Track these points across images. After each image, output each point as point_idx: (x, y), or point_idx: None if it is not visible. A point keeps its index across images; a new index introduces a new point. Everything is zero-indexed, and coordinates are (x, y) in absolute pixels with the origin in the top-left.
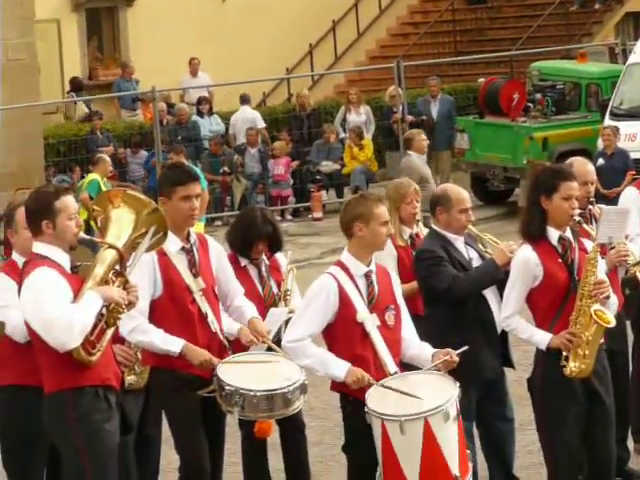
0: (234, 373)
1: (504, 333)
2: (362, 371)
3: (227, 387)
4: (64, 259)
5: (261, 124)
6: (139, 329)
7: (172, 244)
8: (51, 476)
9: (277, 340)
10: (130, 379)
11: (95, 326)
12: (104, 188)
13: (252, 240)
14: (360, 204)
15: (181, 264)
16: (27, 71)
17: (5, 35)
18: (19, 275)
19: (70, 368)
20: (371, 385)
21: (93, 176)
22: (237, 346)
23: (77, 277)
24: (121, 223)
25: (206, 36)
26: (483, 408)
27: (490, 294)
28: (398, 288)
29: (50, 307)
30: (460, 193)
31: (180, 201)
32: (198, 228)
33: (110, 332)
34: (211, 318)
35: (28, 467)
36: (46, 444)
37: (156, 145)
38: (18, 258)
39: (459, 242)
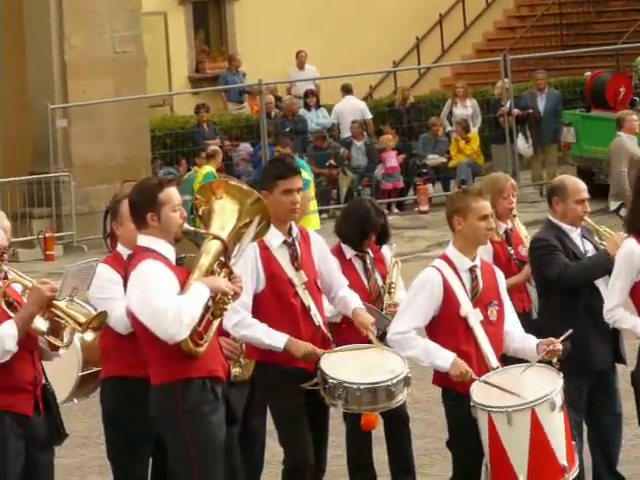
0: (337, 366)
1: (617, 330)
2: (466, 365)
3: (330, 380)
4: (169, 251)
5: (368, 115)
6: (243, 323)
7: (274, 238)
8: (156, 467)
9: (383, 334)
10: (235, 371)
11: (202, 317)
12: None
13: (368, 231)
14: (459, 198)
15: (283, 258)
16: (134, 64)
17: (113, 28)
18: (123, 267)
19: (178, 360)
20: (473, 380)
21: (208, 168)
22: (340, 337)
23: (182, 269)
24: (225, 214)
25: (313, 29)
26: (592, 401)
27: (603, 285)
28: (502, 283)
29: (158, 299)
30: (577, 183)
31: (282, 195)
32: (313, 221)
33: (216, 323)
34: (314, 311)
35: (133, 458)
36: (152, 435)
37: (262, 138)
38: (123, 250)
39: (575, 234)
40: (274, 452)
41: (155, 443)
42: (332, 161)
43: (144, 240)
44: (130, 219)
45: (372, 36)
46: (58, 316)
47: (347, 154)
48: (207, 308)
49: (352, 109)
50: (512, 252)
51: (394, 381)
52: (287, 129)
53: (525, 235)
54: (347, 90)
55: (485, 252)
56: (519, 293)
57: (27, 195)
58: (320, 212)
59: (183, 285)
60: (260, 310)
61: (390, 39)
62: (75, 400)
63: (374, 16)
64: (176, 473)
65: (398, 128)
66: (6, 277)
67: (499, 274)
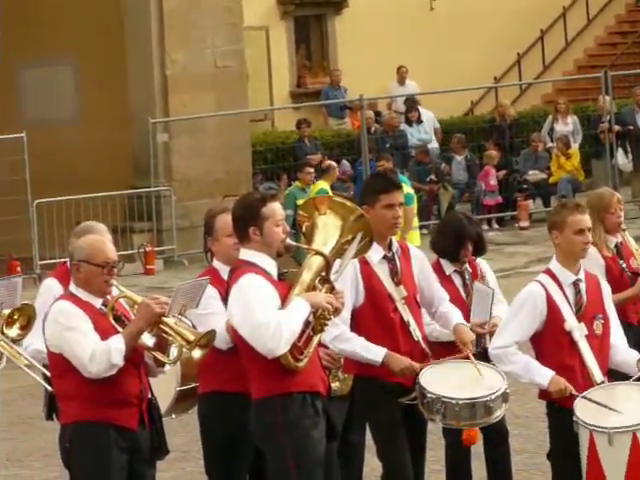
0: (436, 381)
1: None
2: (565, 381)
3: (429, 395)
4: (271, 266)
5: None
6: (342, 337)
7: (374, 253)
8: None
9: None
10: (335, 386)
11: (302, 332)
12: None
13: (463, 240)
14: (557, 212)
15: (383, 273)
16: (236, 78)
17: (214, 42)
18: (220, 283)
19: (278, 374)
20: (573, 396)
21: (322, 184)
22: (437, 353)
23: (284, 283)
24: (327, 230)
25: (414, 44)
26: None
27: None
28: (608, 297)
29: (259, 313)
30: None
31: (383, 209)
32: (415, 237)
33: (317, 339)
34: (413, 326)
35: (231, 473)
36: (249, 450)
37: (363, 154)
38: (219, 266)
39: None
40: (373, 467)
41: (254, 458)
42: (433, 176)
43: (246, 254)
44: (226, 235)
45: (473, 51)
46: (166, 332)
47: (447, 169)
48: (307, 323)
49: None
50: (624, 265)
51: (492, 397)
52: (387, 144)
53: (635, 248)
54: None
55: (597, 267)
56: (633, 305)
57: (128, 209)
58: (420, 227)
59: (284, 300)
60: (359, 325)
61: (491, 55)
62: (173, 415)
63: (475, 32)
64: None
65: (500, 144)
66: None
67: (605, 287)
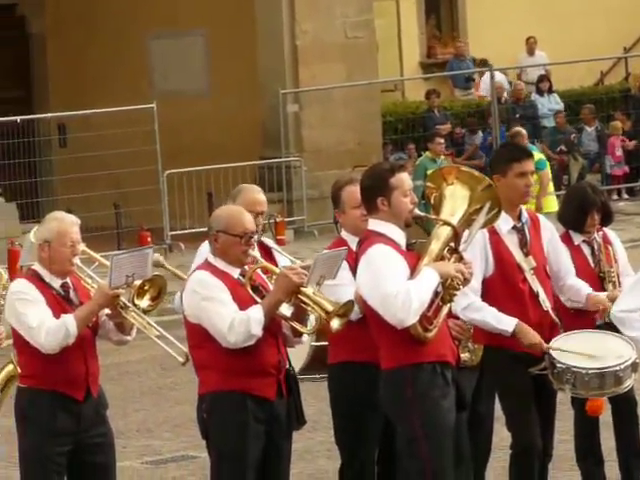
0: (566, 351)
1: None
2: None
3: (559, 365)
4: (399, 236)
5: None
6: (472, 307)
7: (503, 223)
8: (383, 450)
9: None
10: (464, 356)
11: (432, 302)
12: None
13: (587, 209)
14: None
15: (512, 243)
16: (366, 49)
17: (344, 13)
18: (349, 254)
19: (408, 344)
20: None
21: (539, 155)
22: (568, 322)
23: (412, 254)
24: (455, 200)
25: (543, 15)
26: None
27: None
28: None
29: (388, 284)
30: None
31: (515, 178)
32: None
33: (446, 309)
34: (542, 297)
35: (361, 442)
36: (379, 420)
37: (493, 124)
38: (347, 237)
39: None
40: (502, 437)
41: (383, 427)
42: (563, 147)
43: (375, 224)
44: (353, 206)
45: (602, 21)
46: (305, 303)
47: (577, 139)
48: (436, 293)
49: None
50: None
51: (622, 366)
52: (517, 115)
53: None
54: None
55: None
56: None
57: (258, 180)
58: None
59: (413, 270)
60: (489, 295)
61: (621, 24)
62: (317, 375)
63: (604, 3)
64: (404, 456)
65: (630, 114)
66: (253, 261)
67: None
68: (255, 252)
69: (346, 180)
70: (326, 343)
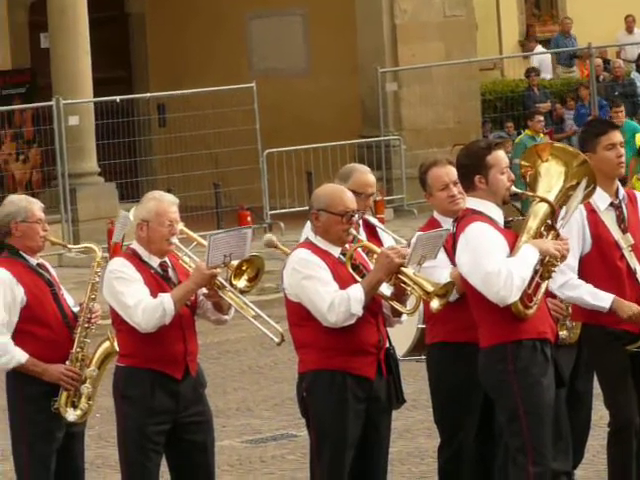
0: None
1: None
2: None
3: None
4: (497, 213)
5: None
6: (569, 284)
7: (600, 200)
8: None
9: None
10: (562, 334)
11: (531, 280)
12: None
13: None
14: None
15: (609, 220)
16: (464, 27)
17: None
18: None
19: (508, 322)
20: None
21: None
22: None
23: (510, 231)
24: (551, 176)
25: None
26: None
27: None
28: None
29: (490, 262)
30: None
31: (605, 150)
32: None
33: (544, 286)
34: None
35: (459, 422)
36: (479, 399)
37: (592, 101)
38: (440, 218)
39: None
40: (601, 415)
41: (482, 405)
42: None
43: (472, 203)
44: (438, 189)
45: None
46: (405, 283)
47: None
48: (535, 271)
49: None
50: None
51: None
52: (616, 92)
53: None
54: None
55: None
56: None
57: (357, 158)
58: None
59: (512, 248)
60: (586, 272)
61: None
62: (422, 356)
63: None
64: (504, 434)
65: None
66: (353, 241)
67: None
68: (360, 232)
69: (430, 162)
70: None
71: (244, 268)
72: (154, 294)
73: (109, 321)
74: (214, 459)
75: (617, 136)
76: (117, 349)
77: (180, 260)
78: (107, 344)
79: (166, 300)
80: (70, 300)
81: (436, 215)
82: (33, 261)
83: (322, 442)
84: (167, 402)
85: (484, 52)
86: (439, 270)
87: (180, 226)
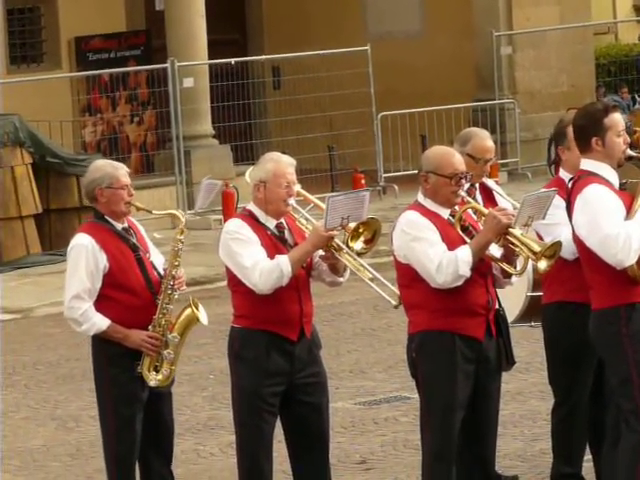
0: None
1: None
2: None
3: None
4: (613, 176)
5: None
6: None
7: None
8: (595, 391)
9: None
10: None
11: None
12: None
13: None
14: None
15: None
16: None
17: None
18: (566, 193)
19: (623, 285)
20: None
21: None
22: None
23: (626, 194)
24: None
25: None
26: None
27: None
28: None
29: (607, 225)
30: None
31: None
32: None
33: None
34: None
35: (576, 382)
36: (594, 359)
37: None
38: (565, 176)
39: None
40: None
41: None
42: None
43: (588, 164)
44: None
45: None
46: (513, 244)
47: None
48: None
49: None
50: None
51: None
52: None
53: None
54: None
55: None
56: None
57: (472, 122)
58: None
59: (628, 211)
60: None
61: None
62: (533, 323)
63: None
64: (617, 396)
65: None
66: (463, 202)
67: None
68: (477, 196)
69: (572, 118)
70: (541, 293)
71: (361, 231)
72: (270, 256)
73: (206, 286)
74: (329, 421)
75: None
76: (199, 316)
77: (297, 222)
78: (189, 311)
79: (283, 261)
80: (160, 261)
81: (563, 174)
82: (119, 226)
83: (431, 402)
84: (282, 363)
85: (598, 16)
86: (561, 227)
87: (297, 188)
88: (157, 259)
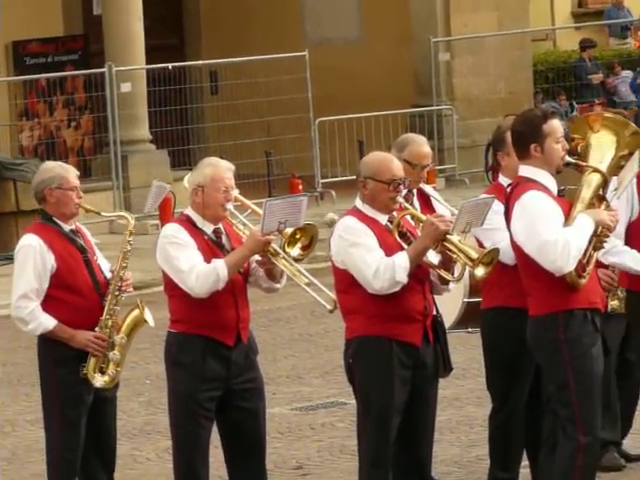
0: None
1: None
2: None
3: None
4: (552, 183)
5: None
6: (614, 251)
7: None
8: (532, 397)
9: None
10: (614, 304)
11: (585, 249)
12: None
13: None
14: None
15: None
16: None
17: None
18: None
19: (561, 291)
20: None
21: None
22: None
23: (564, 200)
24: (602, 147)
25: None
26: None
27: None
28: None
29: (546, 231)
30: None
31: None
32: None
33: (596, 255)
34: None
35: (513, 389)
36: (530, 366)
37: None
38: (504, 181)
39: None
40: None
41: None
42: None
43: (526, 171)
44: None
45: None
46: (450, 250)
47: None
48: (589, 241)
49: None
50: None
51: None
52: None
53: None
54: None
55: None
56: None
57: (409, 127)
58: None
59: (566, 217)
60: (632, 238)
61: None
62: (470, 329)
63: None
64: (555, 402)
65: None
66: (401, 208)
67: None
68: (414, 202)
69: (510, 124)
70: (479, 299)
71: (298, 236)
72: (207, 260)
73: (143, 291)
74: (265, 426)
75: None
76: (146, 318)
77: (234, 227)
78: (137, 312)
79: (220, 266)
80: (106, 266)
81: (502, 179)
82: (67, 227)
83: (368, 408)
84: (218, 369)
85: (536, 23)
86: (500, 233)
87: (235, 193)
88: (103, 263)
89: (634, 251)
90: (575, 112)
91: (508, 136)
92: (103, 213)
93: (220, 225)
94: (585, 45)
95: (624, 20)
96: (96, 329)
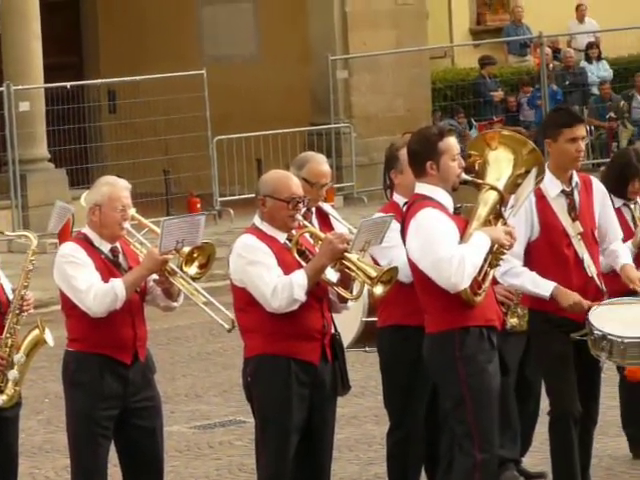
0: (606, 317)
1: None
2: None
3: (595, 332)
4: (448, 200)
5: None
6: (512, 272)
7: (552, 187)
8: (430, 415)
9: None
10: (513, 321)
11: (481, 267)
12: None
13: (627, 177)
14: None
15: (560, 208)
16: (415, 16)
17: None
18: (401, 216)
19: (456, 308)
20: None
21: None
22: (610, 287)
23: (460, 218)
24: (500, 164)
25: None
26: None
27: None
28: None
29: (441, 248)
30: None
31: (566, 143)
32: None
33: (492, 273)
34: (587, 262)
35: (409, 406)
36: (428, 383)
37: (542, 90)
38: (400, 200)
39: None
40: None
41: (430, 391)
42: (612, 114)
43: (422, 188)
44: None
45: None
46: (349, 268)
47: (627, 107)
48: (485, 258)
49: None
50: None
51: None
52: (567, 82)
53: None
54: None
55: None
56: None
57: (308, 146)
58: (599, 165)
59: (462, 234)
60: (533, 259)
61: None
62: (367, 348)
63: None
64: (450, 420)
65: None
66: (300, 227)
67: None
68: (313, 220)
69: (403, 142)
70: (376, 319)
71: (195, 255)
72: (105, 279)
73: (41, 310)
74: (162, 444)
75: (581, 130)
76: (46, 338)
77: (131, 245)
78: (36, 332)
79: (117, 285)
80: (8, 286)
81: (397, 198)
82: None
83: (266, 426)
84: (116, 387)
85: (435, 40)
86: (398, 250)
87: (132, 212)
88: (5, 282)
89: (533, 273)
90: (474, 129)
91: (401, 154)
92: (6, 232)
93: (117, 244)
94: (484, 62)
95: (523, 37)
96: None
